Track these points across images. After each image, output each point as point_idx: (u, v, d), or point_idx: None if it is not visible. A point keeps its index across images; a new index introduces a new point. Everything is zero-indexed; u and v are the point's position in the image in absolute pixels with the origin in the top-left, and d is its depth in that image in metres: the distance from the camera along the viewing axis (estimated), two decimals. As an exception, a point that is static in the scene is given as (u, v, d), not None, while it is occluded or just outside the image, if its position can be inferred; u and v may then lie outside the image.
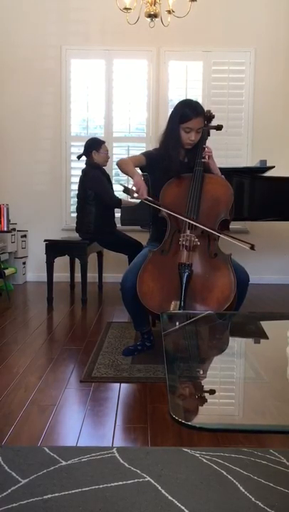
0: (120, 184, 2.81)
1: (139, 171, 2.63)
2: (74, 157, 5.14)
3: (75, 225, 4.27)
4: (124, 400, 2.11)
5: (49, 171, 5.20)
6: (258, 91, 5.09)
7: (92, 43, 5.06)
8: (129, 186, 2.52)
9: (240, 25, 5.04)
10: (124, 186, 2.56)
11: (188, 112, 2.54)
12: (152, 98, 5.11)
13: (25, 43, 5.06)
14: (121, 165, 2.60)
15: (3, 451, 1.60)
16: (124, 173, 2.62)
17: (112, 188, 4.24)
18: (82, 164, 4.26)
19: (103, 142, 4.20)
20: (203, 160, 2.61)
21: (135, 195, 2.47)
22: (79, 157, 4.24)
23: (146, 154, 2.71)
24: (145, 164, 2.68)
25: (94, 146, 4.14)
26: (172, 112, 2.63)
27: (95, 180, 4.04)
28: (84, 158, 4.21)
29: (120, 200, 4.03)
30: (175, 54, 5.07)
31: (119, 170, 2.66)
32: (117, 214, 4.08)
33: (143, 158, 2.67)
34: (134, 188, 2.47)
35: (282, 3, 5.05)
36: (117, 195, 4.12)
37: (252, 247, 2.37)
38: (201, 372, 1.37)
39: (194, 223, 2.44)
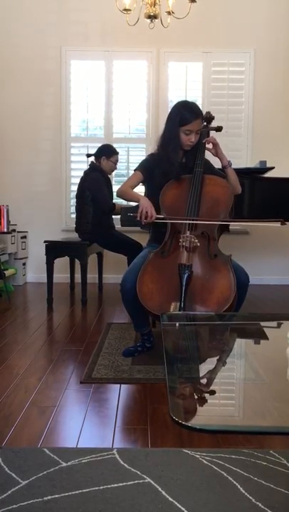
0: (129, 215, 2.69)
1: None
2: (74, 158, 5.16)
3: (74, 225, 4.28)
4: (124, 401, 2.11)
5: (49, 171, 5.21)
6: (257, 92, 5.10)
7: (92, 44, 5.07)
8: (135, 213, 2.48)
9: (240, 26, 5.05)
10: (130, 215, 2.53)
11: (187, 115, 2.53)
12: (152, 99, 5.12)
13: (25, 44, 5.07)
14: (122, 195, 2.64)
15: (3, 453, 1.60)
16: (130, 201, 2.65)
17: (111, 194, 4.26)
18: (82, 165, 4.27)
19: (116, 153, 4.21)
20: (207, 146, 2.62)
21: (144, 221, 2.46)
22: (88, 155, 4.27)
23: (142, 168, 2.68)
24: (143, 179, 2.67)
25: (106, 152, 4.16)
26: (170, 114, 2.62)
27: (94, 182, 4.06)
28: (90, 160, 4.24)
29: (113, 205, 4.06)
30: (175, 55, 5.08)
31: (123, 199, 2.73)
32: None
33: (140, 175, 2.66)
34: (142, 212, 2.44)
35: (281, 4, 5.06)
36: (114, 202, 4.16)
37: (282, 223, 2.42)
38: (201, 373, 1.37)
39: (195, 222, 2.44)
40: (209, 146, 2.64)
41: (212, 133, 2.79)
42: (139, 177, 2.67)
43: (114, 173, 4.56)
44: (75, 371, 2.48)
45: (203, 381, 1.28)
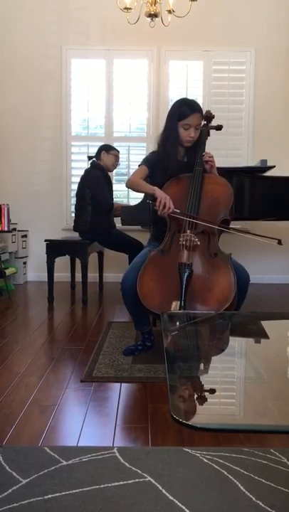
0: (148, 201, 2.67)
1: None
2: (74, 157, 5.16)
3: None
4: (124, 400, 2.11)
5: (50, 170, 5.20)
6: (258, 90, 5.09)
7: (93, 43, 5.06)
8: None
9: (241, 24, 5.04)
10: (148, 202, 2.52)
11: (185, 109, 2.56)
12: (153, 98, 5.11)
13: (25, 43, 5.06)
14: (133, 186, 2.62)
15: (4, 451, 1.60)
16: (141, 192, 2.62)
17: (111, 192, 4.26)
18: (82, 164, 4.27)
19: (116, 150, 4.23)
20: (206, 166, 2.62)
21: (164, 211, 2.43)
22: (90, 158, 4.28)
23: (147, 163, 2.68)
24: (149, 174, 2.67)
25: (106, 148, 4.22)
26: (170, 111, 2.64)
27: (94, 181, 4.06)
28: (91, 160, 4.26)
29: (112, 205, 4.07)
30: (175, 53, 5.07)
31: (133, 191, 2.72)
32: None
33: (145, 169, 2.65)
34: (161, 203, 2.43)
35: (282, 2, 5.05)
36: (114, 201, 4.18)
37: (279, 242, 2.30)
38: (202, 369, 1.37)
39: (199, 222, 2.44)
40: (205, 159, 2.61)
41: (212, 132, 2.79)
42: (146, 171, 2.66)
43: (114, 171, 4.55)
44: (75, 370, 2.48)
45: (204, 380, 1.28)
